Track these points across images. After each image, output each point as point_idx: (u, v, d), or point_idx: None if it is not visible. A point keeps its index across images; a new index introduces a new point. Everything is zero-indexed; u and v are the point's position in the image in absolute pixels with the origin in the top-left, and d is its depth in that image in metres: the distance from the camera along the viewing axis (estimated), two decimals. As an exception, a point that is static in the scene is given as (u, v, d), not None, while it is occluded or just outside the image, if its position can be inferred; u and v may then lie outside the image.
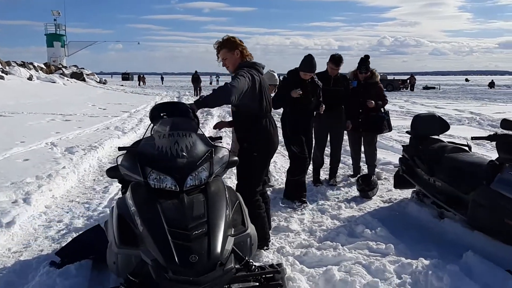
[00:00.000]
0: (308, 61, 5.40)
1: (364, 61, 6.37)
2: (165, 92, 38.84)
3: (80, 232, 4.02)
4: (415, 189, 5.40)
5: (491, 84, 50.99)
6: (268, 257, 3.78)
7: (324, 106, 5.67)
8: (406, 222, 4.86)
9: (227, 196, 3.09)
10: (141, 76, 64.59)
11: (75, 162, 7.38)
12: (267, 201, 4.24)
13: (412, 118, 5.52)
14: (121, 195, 5.53)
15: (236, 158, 3.58)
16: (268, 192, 4.65)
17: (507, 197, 3.62)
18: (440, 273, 3.27)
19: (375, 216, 4.90)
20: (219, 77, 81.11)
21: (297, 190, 5.48)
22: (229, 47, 3.88)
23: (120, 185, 4.12)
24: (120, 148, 3.59)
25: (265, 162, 4.03)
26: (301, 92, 5.33)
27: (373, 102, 6.25)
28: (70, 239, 4.17)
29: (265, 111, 3.89)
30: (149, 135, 3.38)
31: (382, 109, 6.46)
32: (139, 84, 58.58)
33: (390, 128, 6.49)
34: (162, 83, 66.54)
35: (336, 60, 6.03)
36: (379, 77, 6.65)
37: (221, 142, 3.74)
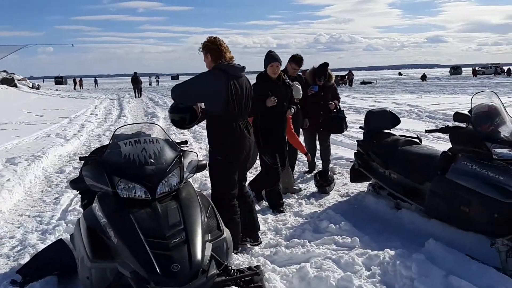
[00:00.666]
0: (272, 54, 5.16)
1: (323, 68, 6.48)
2: (104, 95, 37.69)
3: (42, 248, 3.82)
4: (371, 182, 5.59)
5: (423, 77, 53.61)
6: (238, 259, 3.77)
7: (293, 110, 5.51)
8: (366, 215, 5.01)
9: (200, 201, 3.06)
10: (78, 79, 62.48)
11: (19, 173, 6.98)
12: (249, 201, 4.19)
13: (355, 112, 5.71)
14: (79, 207, 5.35)
15: (204, 162, 3.55)
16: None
17: (462, 186, 3.83)
18: (408, 262, 3.41)
19: (336, 210, 5.01)
20: (158, 78, 79.74)
21: (273, 199, 5.28)
22: (202, 50, 3.86)
23: (79, 196, 3.94)
24: (81, 158, 3.46)
25: (233, 168, 3.85)
26: (276, 100, 5.06)
27: (333, 103, 6.52)
28: (27, 255, 3.97)
29: (234, 115, 3.77)
30: (112, 143, 3.24)
31: (338, 107, 6.66)
32: (74, 88, 56.51)
33: (347, 127, 6.73)
34: (96, 86, 63.83)
35: (297, 60, 6.09)
36: (334, 78, 6.83)
37: (187, 146, 3.68)
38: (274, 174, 5.22)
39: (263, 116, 5.10)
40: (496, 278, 3.17)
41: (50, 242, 4.26)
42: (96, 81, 71.56)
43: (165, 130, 3.58)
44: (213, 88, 3.69)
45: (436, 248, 3.68)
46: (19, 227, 4.93)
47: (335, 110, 6.58)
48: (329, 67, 6.54)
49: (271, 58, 5.13)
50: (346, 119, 6.73)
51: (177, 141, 3.60)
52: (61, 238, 3.84)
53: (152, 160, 3.06)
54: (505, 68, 66.33)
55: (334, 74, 6.83)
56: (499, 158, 3.72)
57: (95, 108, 22.75)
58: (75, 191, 6.15)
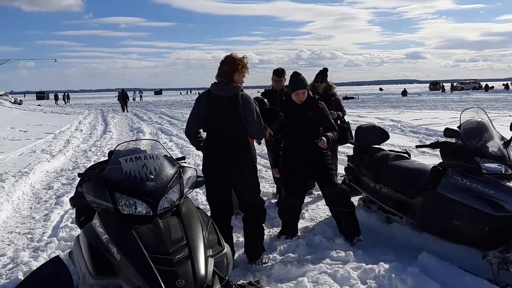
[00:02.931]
0: (295, 77, 4.60)
1: (322, 72, 6.54)
2: (87, 110, 37.38)
3: (37, 266, 3.78)
4: (361, 196, 5.67)
5: (404, 93, 54.53)
6: (234, 275, 3.79)
7: (324, 139, 4.47)
8: (358, 229, 5.07)
9: (199, 216, 3.09)
10: (62, 94, 62.21)
11: (7, 190, 6.89)
12: (256, 221, 4.17)
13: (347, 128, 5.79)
14: (70, 223, 5.31)
15: (203, 177, 3.58)
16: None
17: (453, 200, 3.93)
18: (403, 276, 3.48)
19: (328, 225, 5.06)
20: (142, 93, 79.46)
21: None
22: None
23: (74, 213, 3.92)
24: (80, 175, 3.46)
25: (212, 186, 3.98)
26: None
27: (335, 113, 6.25)
28: (20, 273, 3.92)
29: (213, 133, 3.97)
30: (113, 159, 3.26)
31: (343, 119, 6.65)
32: (56, 103, 56.05)
33: (352, 137, 6.49)
34: (68, 102, 60.59)
35: (277, 71, 6.17)
36: (336, 89, 6.83)
37: (185, 162, 3.72)
38: (284, 205, 4.85)
39: (291, 145, 4.71)
40: (489, 290, 3.26)
41: (42, 259, 4.24)
42: (68, 97, 65.32)
43: (163, 146, 3.61)
44: (197, 108, 3.98)
45: (430, 261, 3.76)
46: (9, 245, 4.88)
47: (338, 121, 6.42)
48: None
49: (296, 84, 4.57)
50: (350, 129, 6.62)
51: (175, 157, 3.64)
52: (58, 255, 3.81)
53: (152, 176, 3.09)
54: (483, 84, 67.91)
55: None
56: (488, 172, 3.84)
57: (79, 123, 22.57)
58: (65, 208, 6.12)
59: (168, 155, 3.40)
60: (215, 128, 3.91)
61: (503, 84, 69.84)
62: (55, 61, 69.01)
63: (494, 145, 4.00)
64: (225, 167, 3.91)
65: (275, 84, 6.23)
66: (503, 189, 3.68)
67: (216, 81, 3.96)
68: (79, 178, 3.80)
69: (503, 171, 3.86)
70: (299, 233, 4.88)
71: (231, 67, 3.86)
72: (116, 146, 3.31)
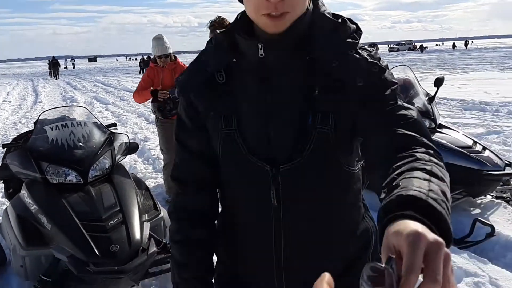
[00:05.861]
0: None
1: None
2: (16, 80, 35.22)
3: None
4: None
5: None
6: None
7: None
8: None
9: (133, 183, 3.05)
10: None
11: None
12: None
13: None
14: (1, 197, 5.08)
15: (136, 143, 3.52)
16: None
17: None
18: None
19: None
20: (74, 60, 75.72)
21: None
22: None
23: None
24: (4, 145, 3.31)
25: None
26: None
27: None
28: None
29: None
30: (38, 128, 3.13)
31: None
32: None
33: None
34: None
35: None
36: None
37: (116, 128, 3.63)
38: None
39: None
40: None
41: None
42: None
43: (91, 112, 3.50)
44: None
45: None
46: None
47: None
48: None
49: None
50: None
51: (105, 123, 3.54)
52: (-14, 230, 3.65)
53: (81, 144, 3.01)
54: (417, 44, 70.48)
55: None
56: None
57: (7, 94, 21.26)
58: (-6, 182, 5.83)
59: (98, 122, 3.30)
60: None
61: (436, 44, 72.82)
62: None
63: (419, 101, 4.20)
64: None
65: None
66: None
67: None
68: (4, 150, 3.62)
69: (427, 125, 4.07)
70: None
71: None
72: (40, 114, 3.16)
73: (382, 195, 0.72)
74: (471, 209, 4.04)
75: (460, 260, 3.07)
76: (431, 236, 0.53)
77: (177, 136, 1.08)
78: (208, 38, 1.24)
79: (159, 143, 4.75)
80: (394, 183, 0.71)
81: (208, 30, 3.27)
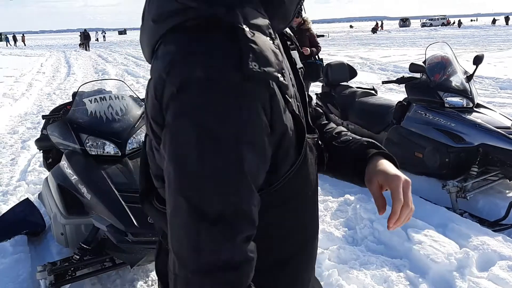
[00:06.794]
0: None
1: None
2: (49, 52, 35.84)
3: (7, 209, 3.76)
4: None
5: (374, 30, 54.27)
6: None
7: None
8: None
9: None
10: (21, 35, 59.85)
11: (-31, 135, 6.71)
12: None
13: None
14: (39, 167, 5.26)
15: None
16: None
17: (416, 133, 4.06)
18: (368, 206, 3.64)
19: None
20: (105, 33, 76.36)
21: None
22: None
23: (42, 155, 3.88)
24: (44, 117, 3.39)
25: None
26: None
27: (308, 49, 6.24)
28: (-9, 217, 3.90)
29: None
30: (77, 100, 3.19)
31: (316, 56, 6.57)
32: (15, 45, 53.60)
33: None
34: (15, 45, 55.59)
35: None
36: (311, 24, 6.68)
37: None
38: None
39: None
40: (447, 216, 3.46)
41: (12, 203, 4.21)
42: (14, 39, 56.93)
43: (129, 86, 3.55)
44: None
45: (393, 192, 3.93)
46: (-23, 190, 4.81)
47: (310, 55, 6.31)
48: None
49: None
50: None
51: (142, 97, 3.59)
52: (27, 198, 3.79)
53: (119, 117, 3.06)
54: (451, 20, 68.12)
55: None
56: (450, 106, 3.96)
57: (41, 66, 21.70)
58: (32, 152, 6.03)
59: (134, 96, 3.35)
60: None
61: (471, 20, 70.27)
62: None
63: (457, 79, 4.09)
64: None
65: None
66: (464, 122, 3.82)
67: None
68: (43, 121, 3.72)
69: (465, 105, 3.98)
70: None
71: None
72: (79, 87, 3.23)
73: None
74: (507, 191, 3.97)
75: (494, 243, 3.04)
76: (404, 177, 0.96)
77: None
78: None
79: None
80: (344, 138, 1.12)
81: None
